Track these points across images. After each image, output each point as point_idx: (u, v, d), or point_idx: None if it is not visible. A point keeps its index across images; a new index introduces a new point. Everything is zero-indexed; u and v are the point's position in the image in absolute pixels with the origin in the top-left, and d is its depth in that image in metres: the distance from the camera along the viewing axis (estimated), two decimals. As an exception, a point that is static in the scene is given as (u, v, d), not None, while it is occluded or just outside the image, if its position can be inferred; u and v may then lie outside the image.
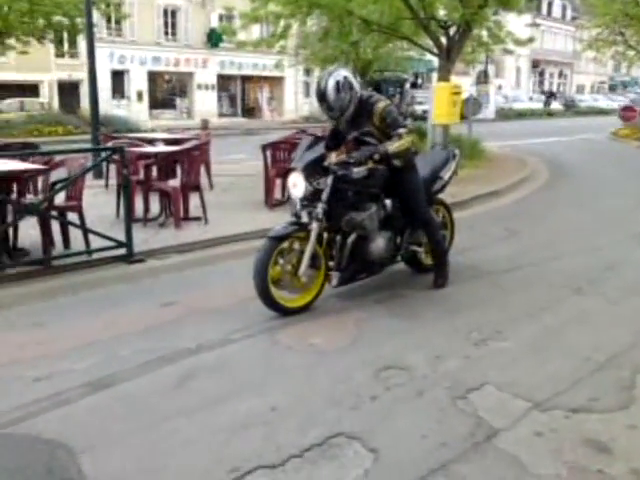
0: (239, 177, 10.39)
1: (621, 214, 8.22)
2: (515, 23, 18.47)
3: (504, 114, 33.46)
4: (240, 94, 37.18)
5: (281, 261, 4.29)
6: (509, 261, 5.77)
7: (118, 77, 30.98)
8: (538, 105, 40.40)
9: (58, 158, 5.91)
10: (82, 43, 28.81)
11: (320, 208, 4.29)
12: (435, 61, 31.33)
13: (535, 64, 54.64)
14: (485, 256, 5.85)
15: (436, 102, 9.31)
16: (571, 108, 42.05)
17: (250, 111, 37.09)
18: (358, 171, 4.42)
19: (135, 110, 29.77)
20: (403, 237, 4.92)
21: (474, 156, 12.39)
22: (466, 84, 35.04)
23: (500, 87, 47.78)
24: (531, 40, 17.04)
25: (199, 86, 34.03)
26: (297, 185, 4.32)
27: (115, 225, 6.74)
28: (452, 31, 12.09)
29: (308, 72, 38.73)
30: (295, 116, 35.56)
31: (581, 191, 10.30)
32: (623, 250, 6.33)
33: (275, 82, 38.03)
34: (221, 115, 34.50)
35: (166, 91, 34.47)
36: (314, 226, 4.29)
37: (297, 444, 2.81)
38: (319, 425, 2.98)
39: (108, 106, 29.23)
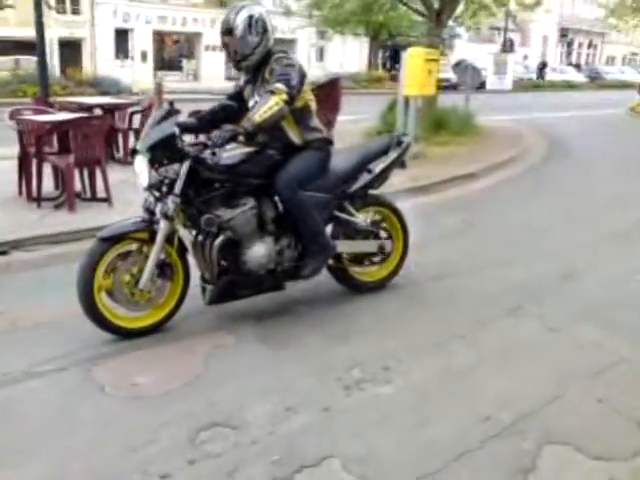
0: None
1: (614, 205, 7.13)
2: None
3: (522, 85, 31.80)
4: (250, 57, 35.98)
5: (122, 268, 3.41)
6: (446, 266, 4.82)
7: (122, 36, 29.94)
8: (561, 77, 38.44)
9: None
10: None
11: (171, 203, 3.39)
12: (457, 28, 30.08)
13: (563, 33, 52.25)
14: (420, 258, 4.84)
15: (408, 70, 8.22)
16: (595, 80, 40.05)
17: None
18: (230, 156, 3.51)
19: (138, 71, 28.85)
20: None
21: (463, 132, 11.32)
22: (490, 52, 33.60)
23: (526, 57, 45.81)
24: (538, 4, 15.59)
25: (207, 47, 32.84)
26: (142, 172, 3.42)
27: (10, 205, 5.93)
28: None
29: (322, 35, 37.37)
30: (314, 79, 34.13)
31: (576, 174, 9.18)
32: (594, 253, 5.32)
33: (287, 45, 36.71)
34: (228, 78, 33.32)
35: (172, 52, 33.41)
36: (162, 226, 3.40)
37: None
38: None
39: (110, 66, 28.54)
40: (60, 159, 5.64)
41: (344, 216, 4.00)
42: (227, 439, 2.66)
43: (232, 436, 2.68)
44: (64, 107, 7.75)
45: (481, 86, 29.74)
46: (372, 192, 4.19)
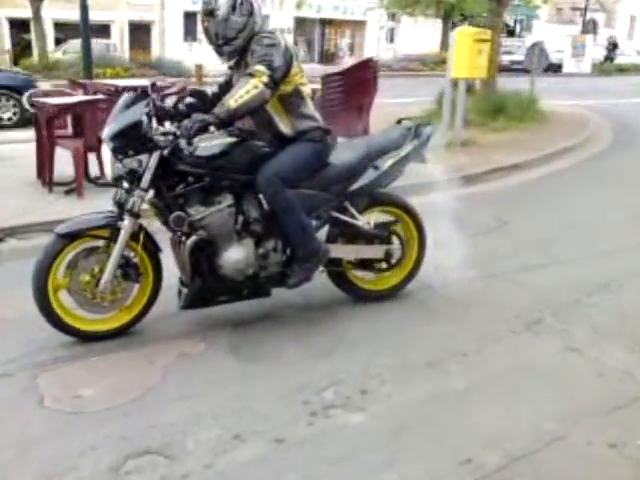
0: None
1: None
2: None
3: (603, 69, 29.98)
4: (318, 39, 35.55)
5: (82, 267, 3.13)
6: (466, 269, 4.29)
7: (191, 19, 30.02)
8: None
9: None
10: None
11: (137, 197, 3.08)
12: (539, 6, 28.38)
13: (654, 12, 49.06)
14: (439, 259, 4.37)
15: (457, 51, 7.62)
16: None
17: (328, 57, 35.43)
18: (207, 147, 3.15)
19: (206, 54, 28.90)
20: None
21: (525, 117, 10.57)
22: (570, 33, 31.82)
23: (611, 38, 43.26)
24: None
25: (274, 29, 32.60)
26: (110, 162, 3.12)
27: (25, 190, 5.82)
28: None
29: (393, 17, 36.49)
30: (375, 61, 33.27)
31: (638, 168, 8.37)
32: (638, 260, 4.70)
33: (357, 26, 36.17)
34: (295, 61, 33.08)
35: (241, 34, 33.34)
36: (125, 222, 3.09)
37: None
38: None
39: (178, 49, 28.71)
40: (71, 142, 5.45)
41: (343, 217, 3.54)
42: (156, 470, 2.33)
43: (163, 467, 2.35)
44: (97, 89, 7.59)
45: (557, 69, 28.38)
46: (383, 190, 3.72)
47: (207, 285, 3.26)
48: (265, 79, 3.02)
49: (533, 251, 4.79)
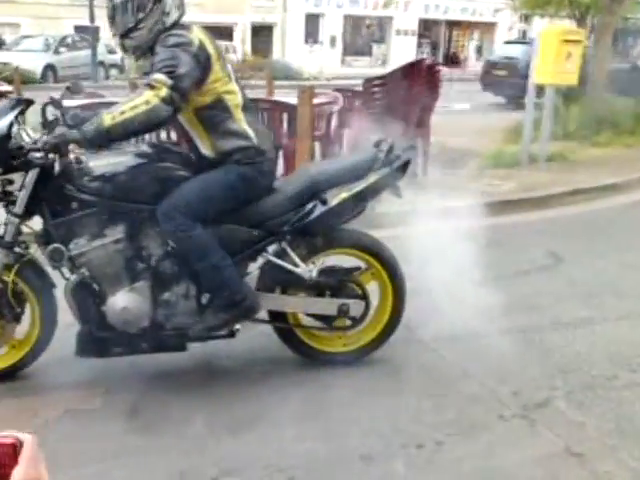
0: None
1: None
2: None
3: None
4: (444, 41, 34.35)
5: None
6: (486, 318, 3.35)
7: (312, 21, 30.05)
8: None
9: None
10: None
11: (8, 224, 2.58)
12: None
13: None
14: (455, 303, 3.43)
15: (541, 53, 6.58)
16: None
17: (453, 60, 34.13)
18: (98, 166, 2.57)
19: (325, 57, 28.77)
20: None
21: (638, 131, 9.19)
22: None
23: None
24: None
25: (398, 32, 31.88)
26: None
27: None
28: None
29: (526, 18, 34.48)
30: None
31: None
32: None
33: (486, 28, 34.54)
34: (417, 64, 32.16)
35: (363, 37, 32.90)
36: None
37: None
38: None
39: (299, 51, 28.73)
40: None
41: (277, 261, 2.79)
42: None
43: None
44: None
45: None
46: (346, 227, 2.92)
47: (96, 334, 2.67)
48: (164, 92, 2.39)
49: (580, 301, 3.82)
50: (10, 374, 2.81)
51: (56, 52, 18.74)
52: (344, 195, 2.75)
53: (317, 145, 6.00)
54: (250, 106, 2.77)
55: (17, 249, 2.62)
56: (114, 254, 2.57)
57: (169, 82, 2.39)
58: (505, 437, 2.55)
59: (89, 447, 2.42)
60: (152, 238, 2.64)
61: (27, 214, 2.58)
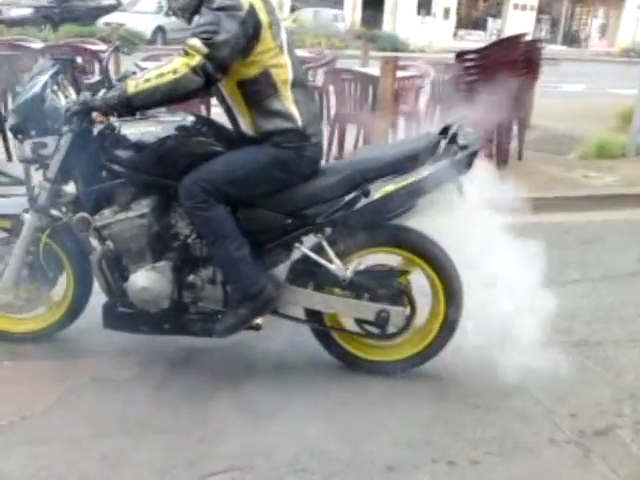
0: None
1: None
2: None
3: None
4: (566, 18, 32.40)
5: None
6: (555, 328, 2.94)
7: (426, -8, 29.14)
8: None
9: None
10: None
11: (40, 189, 2.51)
12: None
13: None
14: (533, 306, 2.96)
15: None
16: None
17: (573, 38, 32.20)
18: (130, 134, 2.39)
19: (438, 29, 27.87)
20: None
21: None
22: None
23: None
24: None
25: (515, 6, 30.35)
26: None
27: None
28: None
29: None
30: (631, 44, 28.80)
31: None
32: None
33: (613, 5, 32.22)
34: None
35: (478, 10, 31.60)
36: (27, 216, 2.54)
37: None
38: None
39: (411, 23, 27.92)
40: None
41: (310, 254, 2.52)
42: None
43: None
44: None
45: None
46: (392, 223, 2.57)
47: (120, 309, 2.58)
48: (195, 61, 2.18)
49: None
50: (47, 335, 2.80)
51: (167, 14, 19.13)
52: (390, 188, 2.44)
53: (402, 122, 5.70)
54: (302, 82, 2.50)
55: (54, 212, 2.56)
56: (138, 229, 2.43)
57: (204, 50, 2.18)
58: (552, 464, 2.27)
59: (108, 419, 2.36)
60: (179, 216, 2.49)
61: (62, 179, 2.51)
